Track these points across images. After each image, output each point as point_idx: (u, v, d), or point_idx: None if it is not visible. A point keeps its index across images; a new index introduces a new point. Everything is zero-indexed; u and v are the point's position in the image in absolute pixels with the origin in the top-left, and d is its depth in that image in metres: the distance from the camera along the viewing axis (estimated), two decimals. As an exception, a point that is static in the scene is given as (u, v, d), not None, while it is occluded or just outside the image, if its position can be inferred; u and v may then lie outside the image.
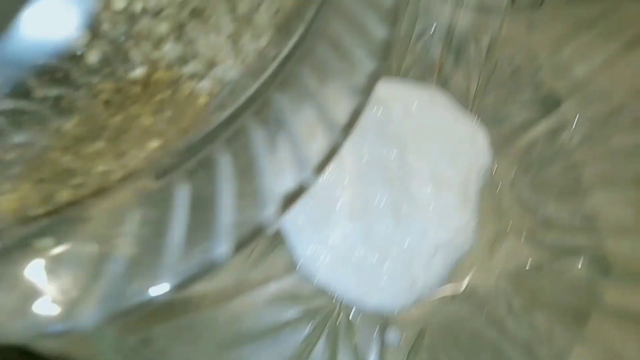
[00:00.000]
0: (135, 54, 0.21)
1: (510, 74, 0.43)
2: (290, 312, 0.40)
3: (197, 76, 0.21)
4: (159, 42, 0.21)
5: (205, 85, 0.21)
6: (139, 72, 0.21)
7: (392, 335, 0.40)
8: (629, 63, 0.41)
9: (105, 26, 0.20)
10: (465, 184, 0.42)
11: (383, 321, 0.41)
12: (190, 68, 0.21)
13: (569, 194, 0.40)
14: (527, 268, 0.40)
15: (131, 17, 0.21)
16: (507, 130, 0.43)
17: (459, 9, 0.44)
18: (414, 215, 0.40)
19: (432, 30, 0.44)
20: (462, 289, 0.41)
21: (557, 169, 0.41)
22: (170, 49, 0.21)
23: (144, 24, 0.21)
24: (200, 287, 0.38)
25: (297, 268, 0.40)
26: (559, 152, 0.41)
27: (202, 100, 0.21)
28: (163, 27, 0.21)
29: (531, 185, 0.42)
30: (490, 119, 0.44)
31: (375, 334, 0.40)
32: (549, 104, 0.42)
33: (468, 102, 0.44)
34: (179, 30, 0.20)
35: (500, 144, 0.43)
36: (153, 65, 0.21)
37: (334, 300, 0.41)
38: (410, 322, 0.40)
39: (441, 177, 0.41)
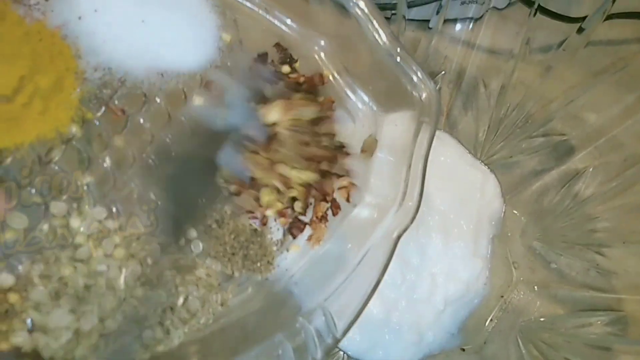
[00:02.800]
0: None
1: (522, 120, 0.40)
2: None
3: None
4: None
5: None
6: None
7: (396, 393, 0.36)
8: (644, 115, 0.39)
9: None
10: (476, 232, 0.39)
11: (388, 377, 0.37)
12: None
13: (582, 248, 0.38)
14: (540, 323, 0.37)
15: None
16: (517, 177, 0.40)
17: (471, 51, 0.41)
18: (423, 266, 0.37)
19: (442, 72, 0.42)
20: (472, 342, 0.38)
21: (570, 220, 0.38)
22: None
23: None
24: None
25: (297, 317, 0.37)
26: (572, 203, 0.38)
27: None
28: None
29: (543, 236, 0.39)
30: (499, 165, 0.41)
31: (379, 390, 0.37)
32: (562, 153, 0.40)
33: (477, 147, 0.41)
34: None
35: (510, 192, 0.40)
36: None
37: (335, 354, 0.37)
38: (416, 378, 0.37)
39: (451, 226, 0.38)
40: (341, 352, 0.36)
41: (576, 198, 0.38)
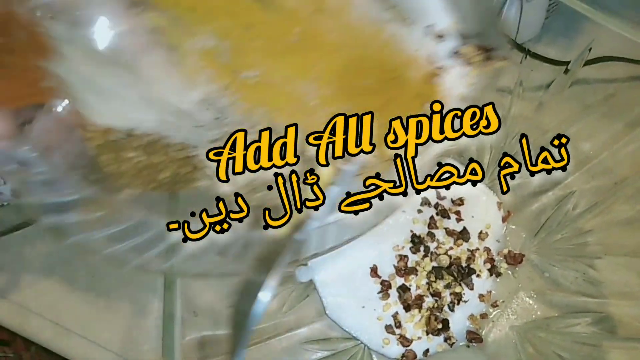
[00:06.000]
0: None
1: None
2: (320, 354, 0.43)
3: None
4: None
5: None
6: None
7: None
8: (631, 140, 0.44)
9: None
10: (482, 247, 0.44)
11: (403, 366, 0.43)
12: None
13: (573, 260, 0.42)
14: (537, 324, 0.42)
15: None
16: (518, 198, 0.45)
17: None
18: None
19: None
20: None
21: (564, 235, 0.43)
22: None
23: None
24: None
25: (326, 314, 0.44)
26: (566, 219, 0.44)
27: None
28: None
29: (539, 249, 0.44)
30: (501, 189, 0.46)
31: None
32: (558, 176, 0.45)
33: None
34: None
35: (511, 210, 0.46)
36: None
37: (359, 345, 0.43)
38: (428, 369, 0.43)
39: (460, 240, 0.44)
40: (362, 345, 0.43)
41: (567, 215, 0.43)
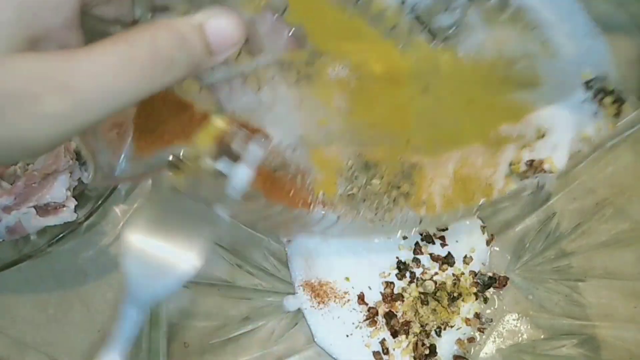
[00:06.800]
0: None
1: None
2: (309, 383, 0.43)
3: None
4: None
5: None
6: None
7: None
8: (609, 162, 0.44)
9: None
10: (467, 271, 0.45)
11: (393, 393, 0.43)
12: None
13: (556, 282, 0.43)
14: (523, 347, 0.42)
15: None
16: (502, 222, 0.46)
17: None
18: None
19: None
20: (464, 364, 0.43)
21: (547, 257, 0.44)
22: None
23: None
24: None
25: (315, 342, 0.44)
26: (548, 241, 0.44)
27: None
28: None
29: (523, 272, 0.44)
30: (488, 212, 0.47)
31: (385, 405, 0.43)
32: (540, 200, 0.45)
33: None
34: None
35: (496, 233, 0.46)
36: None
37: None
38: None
39: (444, 264, 0.45)
40: None
41: (549, 237, 0.44)
